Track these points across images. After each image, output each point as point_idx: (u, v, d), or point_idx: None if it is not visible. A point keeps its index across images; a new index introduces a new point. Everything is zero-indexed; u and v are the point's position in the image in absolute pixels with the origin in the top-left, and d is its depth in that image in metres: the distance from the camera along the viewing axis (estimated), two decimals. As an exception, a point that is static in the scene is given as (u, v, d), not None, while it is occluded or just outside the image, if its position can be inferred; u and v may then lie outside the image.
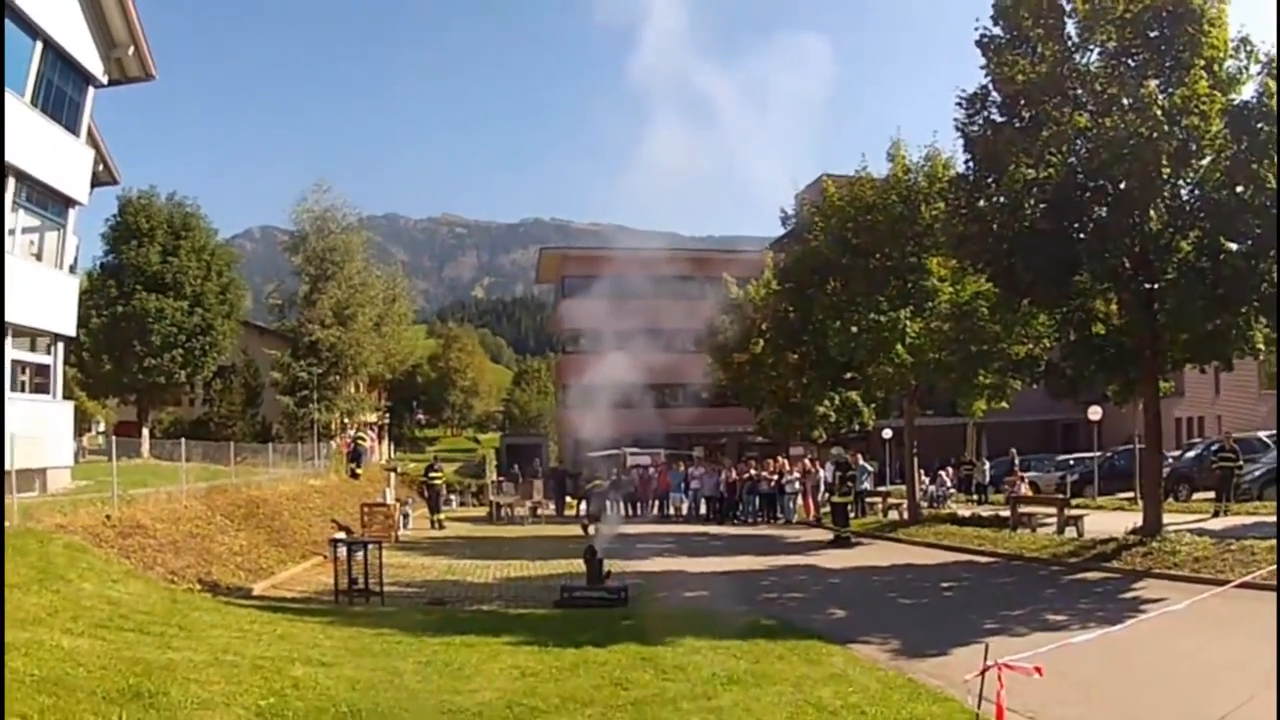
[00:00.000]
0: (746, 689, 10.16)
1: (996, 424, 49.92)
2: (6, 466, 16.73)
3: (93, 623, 11.50)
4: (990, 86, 21.52)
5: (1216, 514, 27.09)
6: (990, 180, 21.55)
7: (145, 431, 46.26)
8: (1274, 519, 22.89)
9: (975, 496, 44.26)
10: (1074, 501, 28.98)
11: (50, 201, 25.70)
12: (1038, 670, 7.89)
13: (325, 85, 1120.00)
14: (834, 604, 17.53)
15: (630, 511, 40.40)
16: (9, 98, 21.30)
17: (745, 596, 18.47)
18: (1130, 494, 35.55)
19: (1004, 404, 31.47)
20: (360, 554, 17.92)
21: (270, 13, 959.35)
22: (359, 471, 42.10)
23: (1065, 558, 21.66)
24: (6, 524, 14.77)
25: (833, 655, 12.17)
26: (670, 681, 10.41)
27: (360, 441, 46.90)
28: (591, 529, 32.88)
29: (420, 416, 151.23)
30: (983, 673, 7.89)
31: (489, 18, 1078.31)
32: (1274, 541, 17.98)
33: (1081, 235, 20.40)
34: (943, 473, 44.52)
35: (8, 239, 23.04)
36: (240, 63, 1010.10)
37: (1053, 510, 27.21)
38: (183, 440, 26.83)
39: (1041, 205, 20.49)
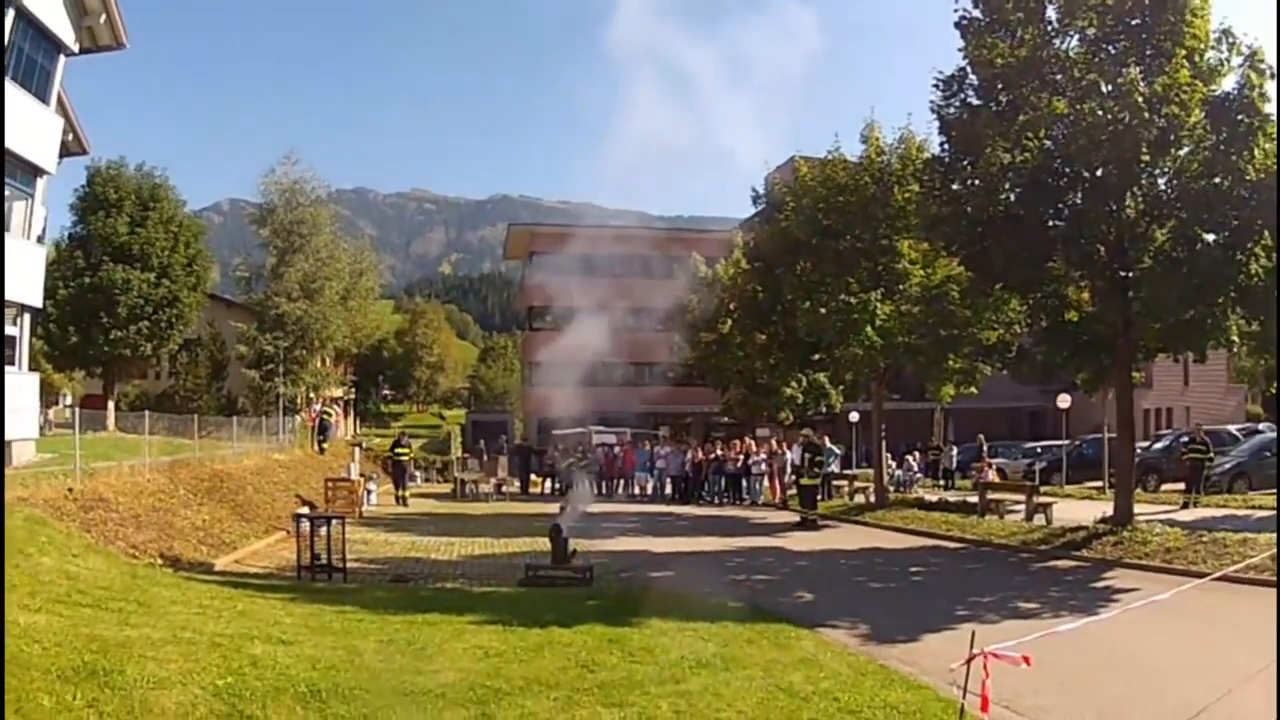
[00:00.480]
0: (716, 673, 9.99)
1: (963, 410, 49.93)
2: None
3: (50, 598, 11.30)
4: (968, 69, 21.31)
5: (1186, 505, 27.16)
6: (966, 163, 21.38)
7: (111, 404, 45.89)
8: (1246, 512, 23.06)
9: (942, 482, 44.36)
10: (1042, 489, 28.85)
11: (18, 171, 25.44)
12: (1025, 660, 7.82)
13: (295, 58, 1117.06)
14: (802, 587, 17.36)
15: (596, 490, 40.00)
16: None
17: (712, 578, 18.26)
18: (1099, 483, 36.10)
19: (973, 389, 31.31)
20: (323, 530, 17.72)
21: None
22: (325, 446, 41.69)
23: (1034, 545, 21.63)
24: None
25: (802, 639, 12.01)
26: (638, 664, 10.24)
27: (326, 416, 46.40)
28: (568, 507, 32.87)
29: (386, 392, 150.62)
30: (968, 661, 7.78)
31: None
32: (1244, 535, 18.12)
33: (1057, 221, 20.39)
34: (909, 457, 44.39)
35: None
36: (211, 33, 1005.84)
37: (1021, 497, 27.21)
38: (145, 413, 26.54)
39: (1017, 190, 20.45)
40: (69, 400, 65.03)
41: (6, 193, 25.09)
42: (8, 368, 25.32)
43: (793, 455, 36.38)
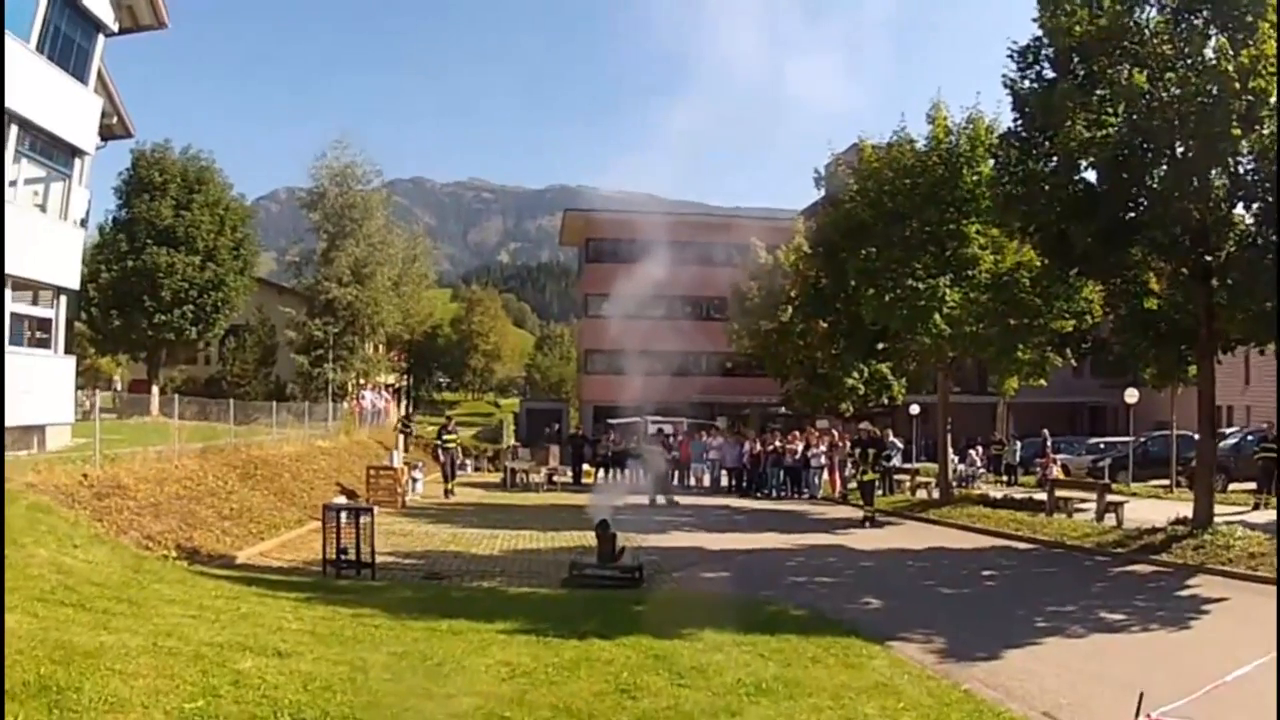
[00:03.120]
0: (777, 701, 8.54)
1: (1023, 404, 48.85)
2: None
3: (31, 595, 10.02)
4: (1044, 39, 19.99)
5: (1257, 506, 26.16)
6: (1043, 138, 20.07)
7: (155, 389, 45.37)
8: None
9: (1005, 477, 43.18)
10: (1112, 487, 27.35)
11: (56, 151, 24.82)
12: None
13: (353, 44, 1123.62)
14: (868, 591, 15.94)
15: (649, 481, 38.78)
16: (11, 42, 20.26)
17: (770, 579, 17.02)
18: (1165, 481, 34.91)
19: (1042, 381, 30.00)
20: (359, 521, 16.42)
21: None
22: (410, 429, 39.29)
23: (1110, 547, 20.24)
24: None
25: (874, 657, 10.57)
26: (686, 688, 8.80)
27: (407, 431, 44.47)
28: (661, 500, 32.25)
29: (441, 379, 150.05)
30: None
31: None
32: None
33: (1139, 201, 18.88)
34: (972, 452, 43.00)
35: (9, 190, 21.95)
36: (265, 19, 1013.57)
37: (1090, 495, 25.84)
38: (175, 396, 25.82)
39: (1096, 168, 19.19)
40: (118, 385, 64.76)
41: (44, 173, 24.63)
42: (43, 351, 24.87)
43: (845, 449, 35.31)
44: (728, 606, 13.34)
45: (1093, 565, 19.18)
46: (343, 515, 16.41)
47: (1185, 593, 15.60)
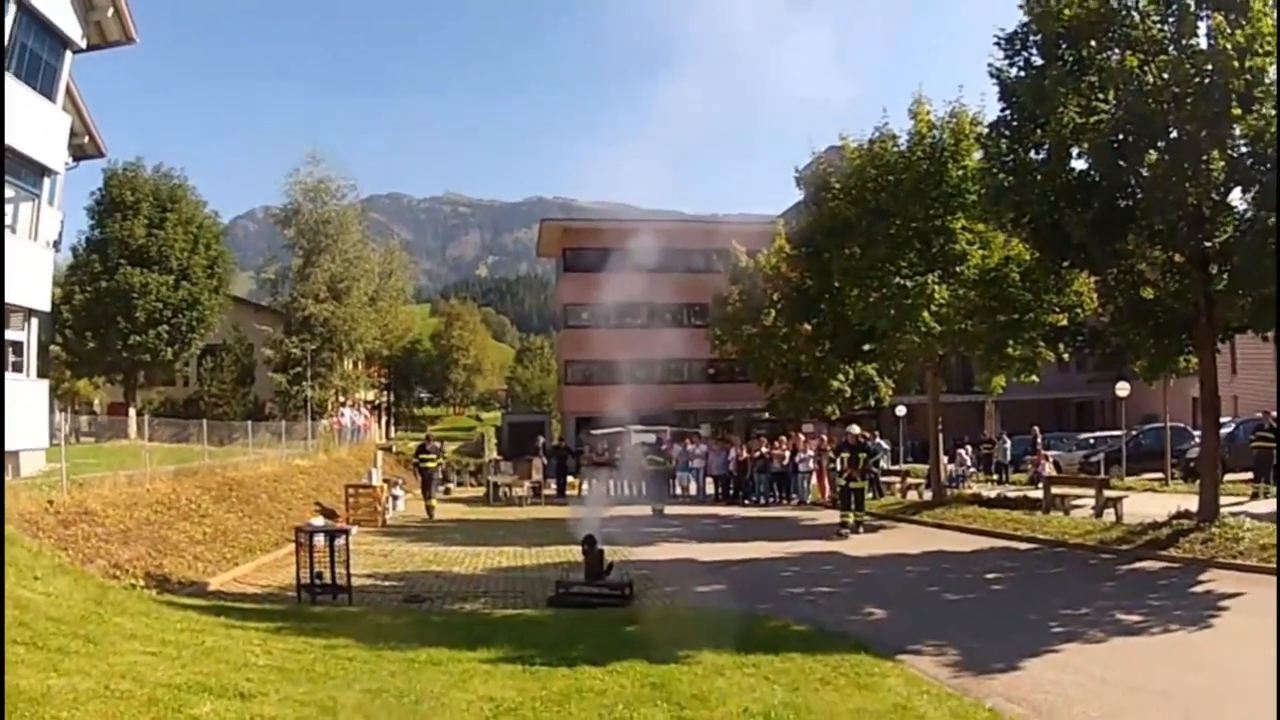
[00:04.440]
0: (790, 734, 7.90)
1: (1010, 402, 48.57)
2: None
3: (-21, 633, 9.31)
4: (1031, 26, 19.54)
5: (1255, 496, 25.74)
6: (1034, 126, 19.66)
7: (132, 412, 44.76)
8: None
9: (996, 476, 43.25)
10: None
11: (24, 171, 24.55)
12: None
13: (325, 60, 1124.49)
14: (870, 601, 15.18)
15: (635, 491, 38.15)
16: None
17: (767, 591, 16.34)
18: (1159, 474, 34.75)
19: (1034, 378, 29.38)
20: (334, 542, 15.68)
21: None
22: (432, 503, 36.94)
23: (1114, 544, 19.68)
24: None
25: (887, 675, 9.82)
26: None
27: (428, 461, 42.35)
28: (659, 509, 31.85)
29: (422, 394, 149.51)
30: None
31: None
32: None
33: (1134, 188, 18.40)
34: (962, 451, 42.74)
35: None
36: (238, 36, 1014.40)
37: (1086, 491, 25.55)
38: (145, 417, 25.25)
39: (1090, 154, 18.71)
40: (98, 409, 64.19)
41: (13, 193, 24.26)
42: (14, 374, 24.31)
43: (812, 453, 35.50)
44: (725, 623, 12.64)
45: (1098, 564, 18.68)
46: (317, 537, 15.68)
47: (1199, 589, 15.13)
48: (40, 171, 25.27)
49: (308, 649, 10.82)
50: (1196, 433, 35.99)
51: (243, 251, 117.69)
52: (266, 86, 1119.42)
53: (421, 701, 8.56)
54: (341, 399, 59.32)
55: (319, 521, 17.66)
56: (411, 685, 9.12)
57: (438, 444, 36.97)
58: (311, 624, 12.82)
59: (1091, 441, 46.01)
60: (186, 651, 10.10)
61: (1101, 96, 18.26)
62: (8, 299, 22.97)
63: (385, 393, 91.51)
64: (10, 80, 22.37)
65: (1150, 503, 23.94)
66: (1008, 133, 20.63)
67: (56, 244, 29.85)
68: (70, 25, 25.29)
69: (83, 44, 26.25)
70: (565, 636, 11.97)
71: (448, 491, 43.93)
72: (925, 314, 26.26)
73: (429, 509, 31.94)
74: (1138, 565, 17.76)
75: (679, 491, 40.27)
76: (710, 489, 40.50)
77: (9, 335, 24.36)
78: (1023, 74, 19.86)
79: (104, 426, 42.35)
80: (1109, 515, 22.81)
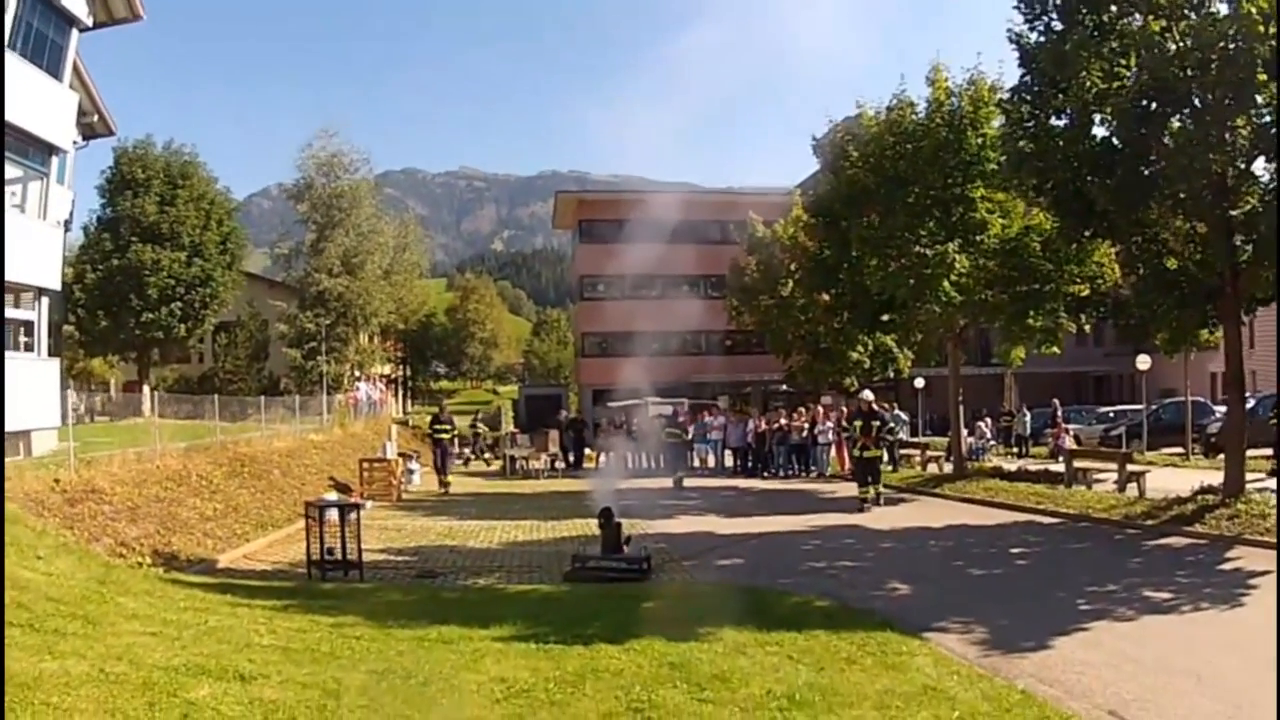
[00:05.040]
0: (815, 715, 7.37)
1: (1028, 375, 48.49)
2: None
3: (-25, 616, 8.98)
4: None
5: (1274, 473, 24.97)
6: (1055, 92, 19.25)
7: (147, 389, 44.41)
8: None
9: (1016, 449, 43.09)
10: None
11: (32, 150, 24.64)
12: None
13: (338, 34, 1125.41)
14: (894, 575, 14.82)
15: (653, 464, 37.98)
16: None
17: (788, 565, 15.91)
18: (1179, 449, 34.52)
19: (1055, 349, 29.15)
20: (346, 517, 15.33)
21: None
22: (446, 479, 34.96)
23: (1139, 519, 19.28)
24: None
25: (914, 654, 9.46)
26: (709, 704, 7.62)
27: (442, 431, 40.33)
28: (679, 481, 32.06)
29: (439, 368, 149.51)
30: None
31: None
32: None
33: (1159, 155, 17.91)
34: (981, 424, 42.41)
35: None
36: (248, 13, 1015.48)
37: (1108, 466, 25.30)
38: (155, 393, 24.95)
39: (1113, 120, 18.36)
40: (113, 387, 64.21)
41: (21, 173, 24.77)
42: (25, 354, 24.54)
43: (831, 425, 35.28)
44: (746, 599, 12.28)
45: (1124, 539, 18.24)
46: (329, 512, 15.34)
47: (1228, 566, 14.74)
48: (48, 150, 25.21)
49: (314, 627, 10.48)
50: (1218, 408, 35.82)
51: (257, 228, 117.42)
52: (278, 64, 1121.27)
53: (430, 683, 8.18)
54: (357, 373, 59.09)
55: (332, 496, 17.38)
56: (420, 665, 8.75)
57: (452, 416, 36.43)
58: (320, 601, 12.49)
59: (1111, 415, 45.78)
60: (188, 632, 9.76)
61: (1123, 62, 17.91)
62: (18, 278, 23.40)
63: (401, 367, 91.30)
64: (15, 59, 22.58)
65: (1173, 478, 23.70)
66: (1029, 98, 20.22)
67: (68, 223, 29.88)
68: (76, 3, 25.18)
69: (89, 22, 26.17)
70: (581, 613, 11.63)
71: (466, 463, 43.81)
72: (945, 283, 25.88)
73: (444, 484, 31.51)
74: (1164, 541, 17.42)
75: (697, 464, 39.99)
76: (729, 461, 40.22)
77: (20, 314, 24.69)
78: (1043, 39, 19.46)
79: (119, 405, 42.31)
80: (1132, 490, 22.62)
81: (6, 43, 21.97)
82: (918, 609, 12.03)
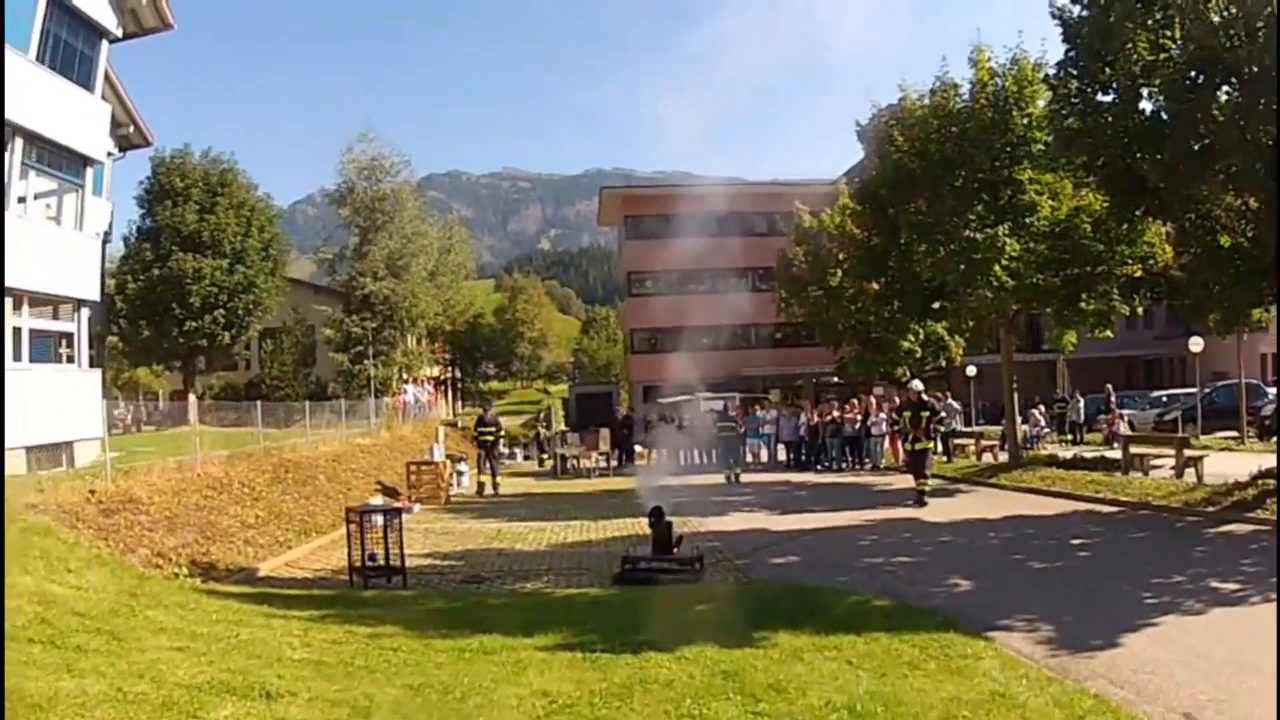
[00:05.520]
0: (877, 730, 6.99)
1: (1077, 360, 47.93)
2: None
3: (-1, 630, 8.58)
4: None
5: None
6: (1102, 65, 18.84)
7: (192, 397, 44.44)
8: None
9: (1070, 436, 42.60)
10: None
11: (65, 162, 24.58)
12: None
13: (376, 38, 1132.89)
14: (952, 570, 14.30)
15: (705, 459, 37.65)
16: (9, 54, 20.07)
17: (844, 562, 15.46)
18: (1233, 433, 34.20)
19: (1109, 333, 28.61)
20: (389, 522, 14.95)
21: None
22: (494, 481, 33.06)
23: (1199, 506, 18.88)
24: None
25: (980, 657, 8.93)
26: (764, 716, 7.07)
27: (487, 435, 38.09)
28: (735, 476, 31.88)
29: (488, 368, 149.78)
30: None
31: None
32: None
33: (1209, 129, 17.34)
34: (1035, 411, 41.82)
35: (18, 205, 22.21)
36: (285, 20, 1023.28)
37: (1164, 451, 24.95)
38: (194, 400, 24.82)
39: (1160, 94, 18.01)
40: (160, 397, 64.49)
41: (55, 185, 24.90)
42: (65, 365, 24.70)
43: (885, 416, 34.71)
44: (802, 599, 11.79)
45: (1185, 527, 17.82)
46: (374, 517, 14.94)
47: (1295, 553, 14.14)
48: (82, 161, 25.10)
49: (350, 639, 10.04)
50: (1270, 389, 35.10)
51: (302, 235, 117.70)
52: (317, 69, 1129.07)
53: (467, 698, 7.69)
54: (404, 376, 58.91)
55: (378, 500, 17.06)
56: (459, 678, 8.26)
57: (498, 417, 35.81)
58: (359, 611, 12.04)
59: (1165, 400, 45.31)
60: (217, 646, 9.35)
61: (1168, 34, 17.52)
62: (56, 290, 23.64)
63: (449, 369, 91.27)
64: (45, 72, 22.80)
65: (1230, 462, 23.28)
66: (1074, 73, 19.90)
67: (107, 234, 29.82)
68: (104, 14, 25.09)
69: (119, 33, 26.15)
70: (630, 618, 11.13)
71: (538, 461, 43.70)
72: (997, 268, 25.46)
73: (489, 485, 31.25)
74: (1226, 528, 16.96)
75: (749, 459, 39.55)
76: (781, 455, 39.90)
77: (60, 326, 24.81)
78: (1086, 12, 19.13)
79: (165, 415, 42.31)
80: (1190, 475, 22.25)
81: (34, 55, 22.34)
82: (980, 606, 11.57)
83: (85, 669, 7.90)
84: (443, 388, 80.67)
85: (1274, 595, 11.05)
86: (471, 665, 8.87)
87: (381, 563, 14.69)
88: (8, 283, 20.66)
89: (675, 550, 15.14)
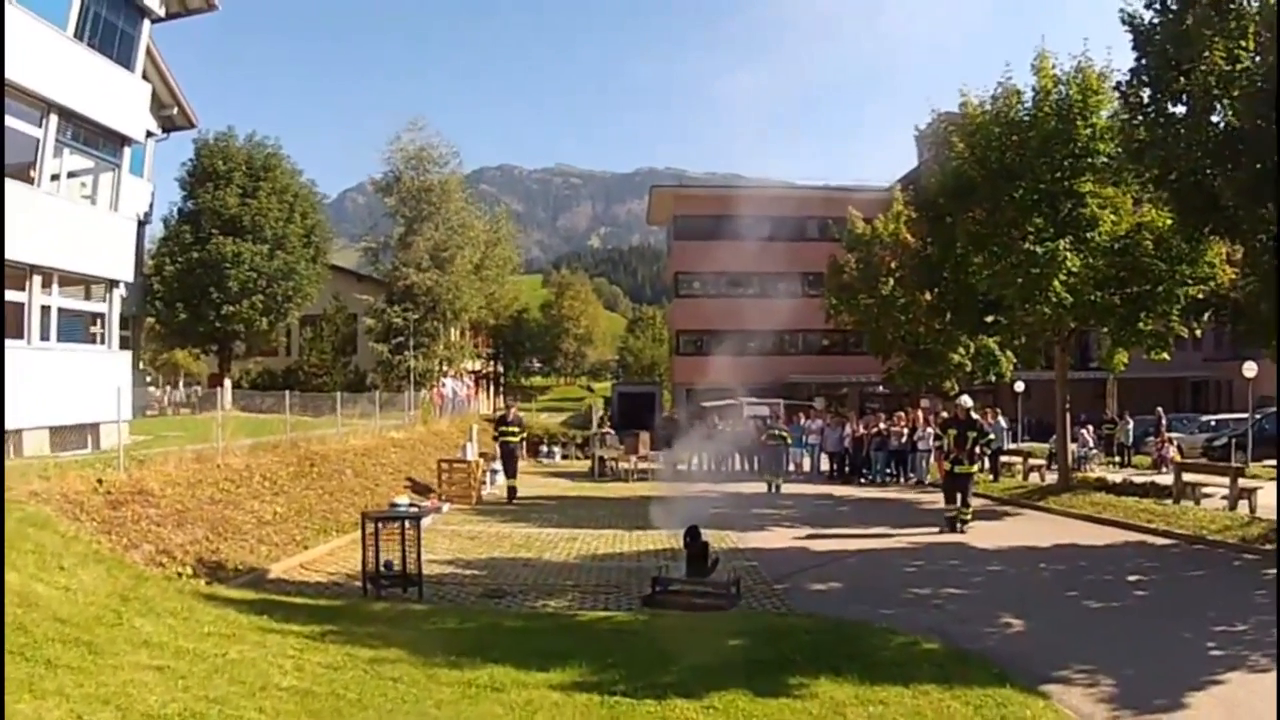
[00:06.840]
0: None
1: (1125, 380, 46.33)
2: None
3: (-39, 637, 7.76)
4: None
5: None
6: (1176, 74, 18.15)
7: (227, 383, 44.05)
8: None
9: (1118, 458, 41.59)
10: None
11: (102, 141, 24.41)
12: None
13: (437, 30, 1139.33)
14: (1003, 606, 13.45)
15: (747, 466, 37.03)
16: (47, 30, 21.09)
17: (889, 592, 14.61)
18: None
19: (1165, 355, 27.63)
20: (402, 529, 14.11)
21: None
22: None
23: (1256, 543, 18.06)
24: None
25: (1038, 718, 8.21)
26: None
27: (510, 436, 34.87)
28: (777, 486, 31.24)
29: (532, 364, 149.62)
30: None
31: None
32: None
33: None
34: (1084, 431, 40.69)
35: (50, 183, 22.28)
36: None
37: (1215, 479, 23.97)
38: (217, 389, 24.24)
39: (1235, 107, 17.11)
40: (200, 380, 64.31)
41: (91, 164, 24.81)
42: (94, 346, 24.58)
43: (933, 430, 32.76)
44: (845, 638, 10.92)
45: (1243, 565, 16.97)
46: (382, 524, 14.09)
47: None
48: (119, 140, 24.86)
49: (348, 664, 9.19)
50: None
51: (350, 223, 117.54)
52: (373, 59, 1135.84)
53: (464, 751, 6.82)
54: (445, 368, 58.28)
55: (404, 500, 16.19)
56: (461, 720, 7.38)
57: (520, 416, 34.06)
58: (364, 628, 11.16)
59: (1213, 424, 44.56)
60: (200, 667, 8.51)
61: (1244, 44, 16.76)
62: (86, 269, 23.54)
63: (492, 362, 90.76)
64: (82, 48, 22.67)
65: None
66: (1147, 82, 19.15)
67: (147, 215, 29.35)
68: (145, -8, 25.01)
69: (161, 12, 26.03)
70: (657, 653, 10.23)
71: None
72: (1056, 283, 24.54)
73: (511, 490, 29.20)
74: (1286, 568, 16.10)
75: (792, 468, 38.62)
76: (824, 465, 39.14)
77: (90, 307, 24.65)
78: (1159, 20, 18.42)
79: (204, 398, 41.81)
80: (1243, 507, 21.45)
81: (73, 32, 22.22)
82: (1035, 652, 10.78)
83: (49, 689, 7.17)
84: (484, 382, 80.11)
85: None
86: (476, 705, 8.04)
87: (398, 571, 13.89)
88: (36, 260, 20.70)
89: (710, 573, 14.15)
